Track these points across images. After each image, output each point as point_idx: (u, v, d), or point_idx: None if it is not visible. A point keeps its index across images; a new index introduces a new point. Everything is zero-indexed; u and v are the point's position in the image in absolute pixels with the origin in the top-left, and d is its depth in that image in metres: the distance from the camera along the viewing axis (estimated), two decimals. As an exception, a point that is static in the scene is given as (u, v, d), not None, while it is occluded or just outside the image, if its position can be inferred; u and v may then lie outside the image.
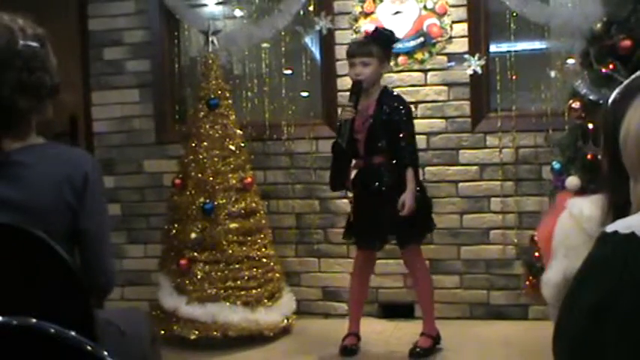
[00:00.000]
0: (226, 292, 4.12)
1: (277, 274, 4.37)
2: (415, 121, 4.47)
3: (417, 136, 4.16)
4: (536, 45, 4.48)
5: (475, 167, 4.47)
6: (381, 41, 3.85)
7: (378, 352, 3.98)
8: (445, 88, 4.50)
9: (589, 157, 3.32)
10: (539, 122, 4.33)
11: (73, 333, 1.39)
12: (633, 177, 1.14)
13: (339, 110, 4.59)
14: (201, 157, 4.22)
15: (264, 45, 4.75)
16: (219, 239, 4.14)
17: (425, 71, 4.50)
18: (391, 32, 3.96)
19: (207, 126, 4.26)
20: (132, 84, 4.97)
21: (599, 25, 3.46)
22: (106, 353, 1.32)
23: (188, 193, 4.23)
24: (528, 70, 4.41)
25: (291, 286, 4.57)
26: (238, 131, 4.36)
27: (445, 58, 4.49)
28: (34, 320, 1.37)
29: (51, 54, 1.91)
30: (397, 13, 4.48)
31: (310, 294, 4.73)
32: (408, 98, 4.47)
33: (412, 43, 4.48)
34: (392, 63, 4.47)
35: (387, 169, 3.79)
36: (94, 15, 5.01)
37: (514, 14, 4.33)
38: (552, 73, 4.32)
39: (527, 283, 3.58)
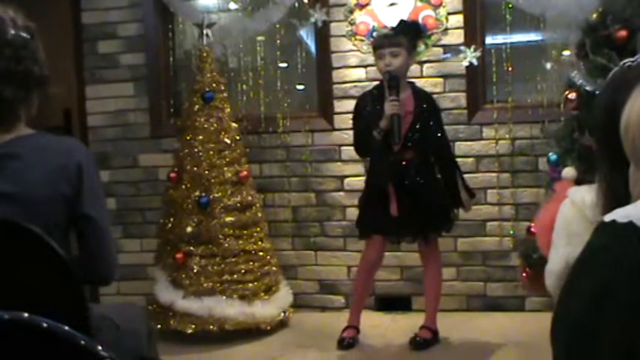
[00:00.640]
0: (223, 285, 4.11)
1: (274, 268, 4.37)
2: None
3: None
4: (532, 36, 4.47)
5: (471, 159, 4.46)
6: (409, 32, 3.85)
7: (374, 344, 3.98)
8: (441, 79, 4.49)
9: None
10: (535, 114, 4.33)
11: (66, 327, 1.38)
12: (634, 163, 1.13)
13: (334, 102, 4.61)
14: (196, 150, 4.21)
15: (259, 38, 4.73)
16: (215, 233, 4.13)
17: (421, 63, 4.49)
18: (417, 23, 4.01)
19: (203, 119, 4.24)
20: (126, 77, 4.95)
21: (594, 16, 3.44)
22: (100, 347, 1.31)
23: (183, 186, 4.22)
24: (524, 62, 4.41)
25: (288, 279, 4.56)
26: (234, 124, 4.35)
27: (441, 49, 4.48)
28: (26, 314, 1.35)
29: (40, 48, 1.89)
30: (392, 4, 4.46)
31: (307, 287, 4.73)
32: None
33: (408, 35, 4.46)
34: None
35: (418, 165, 3.80)
36: (87, 8, 4.98)
37: (510, 5, 4.33)
38: (548, 65, 4.32)
39: (524, 274, 3.57)
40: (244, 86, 4.76)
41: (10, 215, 1.71)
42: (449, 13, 4.44)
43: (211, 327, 4.04)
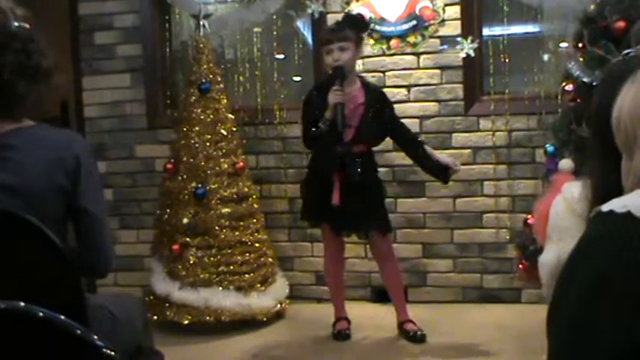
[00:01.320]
0: (219, 277, 4.11)
1: (270, 259, 4.37)
2: (408, 105, 4.48)
3: (410, 120, 4.24)
4: (530, 28, 4.46)
5: (468, 151, 4.46)
6: (356, 25, 3.82)
7: (370, 335, 3.98)
8: (438, 71, 4.48)
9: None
10: (532, 105, 4.32)
11: (62, 317, 1.38)
12: (626, 154, 1.13)
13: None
14: (192, 141, 4.20)
15: (256, 29, 4.72)
16: (211, 224, 4.13)
17: (417, 54, 4.48)
18: (363, 16, 4.00)
19: (199, 110, 4.24)
20: (123, 68, 4.94)
21: (592, 7, 3.44)
22: (95, 337, 1.31)
23: (180, 178, 4.21)
24: (521, 53, 4.40)
25: (284, 270, 4.56)
26: (230, 116, 4.35)
27: (438, 41, 4.46)
28: (22, 304, 1.35)
29: (43, 38, 1.88)
30: (389, -5, 4.45)
31: (303, 278, 4.73)
32: (400, 82, 4.50)
33: (405, 27, 4.44)
34: (384, 46, 4.48)
35: (366, 161, 3.80)
36: (83, -1, 4.97)
37: (507, -4, 4.32)
38: (545, 56, 4.31)
39: (521, 266, 3.58)
40: (241, 77, 4.75)
41: (8, 206, 1.71)
42: (446, 5, 4.42)
43: (207, 318, 4.05)
